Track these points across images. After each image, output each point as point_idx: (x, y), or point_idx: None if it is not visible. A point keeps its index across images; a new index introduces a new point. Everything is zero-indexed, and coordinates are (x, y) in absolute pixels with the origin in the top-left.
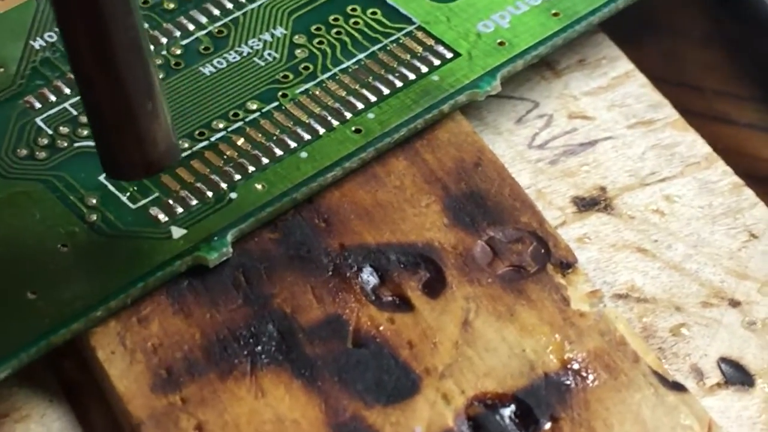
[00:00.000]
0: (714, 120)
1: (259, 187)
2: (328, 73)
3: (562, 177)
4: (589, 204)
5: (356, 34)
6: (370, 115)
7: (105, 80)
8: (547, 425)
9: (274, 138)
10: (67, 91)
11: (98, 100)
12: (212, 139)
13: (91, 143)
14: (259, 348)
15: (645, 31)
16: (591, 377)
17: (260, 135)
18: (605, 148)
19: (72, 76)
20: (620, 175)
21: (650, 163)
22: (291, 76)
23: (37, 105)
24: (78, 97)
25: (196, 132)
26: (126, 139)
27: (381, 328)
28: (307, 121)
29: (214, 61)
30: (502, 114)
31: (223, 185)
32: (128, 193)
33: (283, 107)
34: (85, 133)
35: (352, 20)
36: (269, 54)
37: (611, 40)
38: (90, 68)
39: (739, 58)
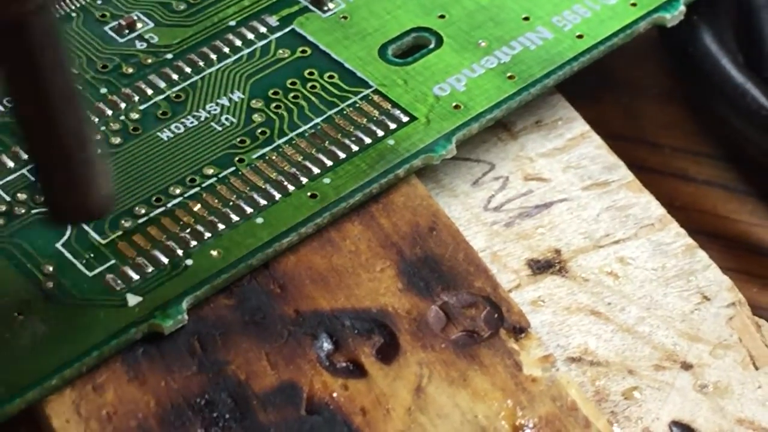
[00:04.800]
0: (672, 177)
1: (214, 253)
2: (285, 138)
3: (517, 239)
4: (543, 267)
5: (313, 98)
6: (326, 180)
7: (40, 128)
8: None
9: (231, 204)
10: (25, 157)
11: (34, 146)
12: (169, 205)
13: None
14: (214, 415)
15: (603, 88)
16: None
17: (217, 201)
18: (560, 210)
19: None
20: (575, 238)
21: (605, 225)
22: (248, 141)
23: None
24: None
25: (153, 198)
26: (61, 184)
27: (335, 394)
28: (263, 187)
29: (172, 126)
30: (458, 176)
31: (179, 252)
32: (85, 261)
33: (240, 172)
34: (43, 199)
35: (310, 84)
36: (226, 118)
37: (567, 101)
38: (26, 116)
39: (697, 115)
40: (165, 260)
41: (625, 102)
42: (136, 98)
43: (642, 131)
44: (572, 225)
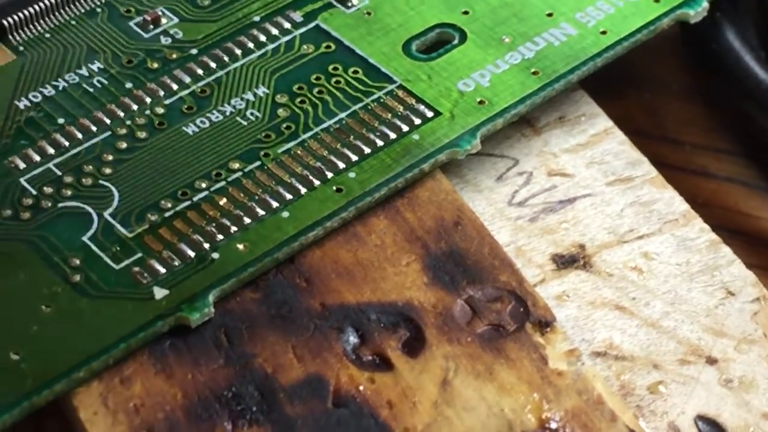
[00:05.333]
0: (693, 173)
1: (241, 247)
2: (310, 133)
3: (541, 234)
4: (568, 261)
5: (338, 93)
6: (351, 175)
7: None
8: None
9: (256, 198)
10: (51, 151)
11: None
12: (195, 198)
13: (75, 203)
14: (240, 408)
15: (624, 85)
16: None
17: (242, 195)
18: (584, 205)
19: (57, 136)
20: (599, 233)
21: (628, 221)
22: (273, 136)
23: (22, 165)
24: (62, 157)
25: (179, 192)
26: None
27: (361, 387)
28: (288, 181)
29: (197, 121)
30: (482, 172)
31: (206, 245)
32: (111, 254)
33: (266, 167)
34: (69, 193)
35: (334, 79)
36: (251, 113)
37: (590, 97)
38: None
39: (718, 112)
40: (191, 254)
41: (646, 98)
42: (162, 93)
43: (663, 128)
44: (596, 220)
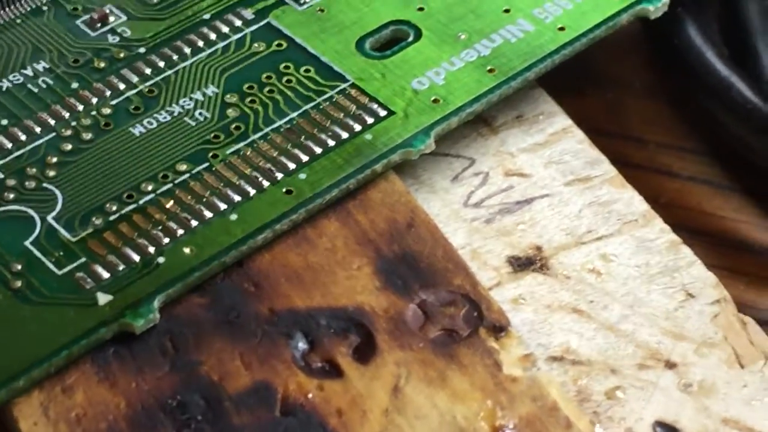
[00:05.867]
0: (656, 172)
1: (187, 251)
2: (260, 133)
3: (497, 236)
4: (524, 264)
5: (289, 93)
6: (302, 176)
7: None
8: None
9: (204, 200)
10: None
11: None
12: (141, 201)
13: (17, 207)
14: (186, 417)
15: (585, 83)
16: None
17: (190, 197)
18: (542, 206)
19: None
20: (556, 234)
21: (587, 222)
22: (222, 137)
23: None
24: (5, 160)
25: (125, 195)
26: None
27: (310, 395)
28: (237, 183)
29: (145, 121)
30: (437, 172)
31: (151, 249)
32: (54, 259)
33: (214, 168)
34: (11, 196)
35: (285, 78)
36: (200, 113)
37: (549, 95)
38: None
39: (681, 110)
40: (136, 258)
41: (608, 97)
42: (108, 93)
43: (625, 126)
44: (554, 221)
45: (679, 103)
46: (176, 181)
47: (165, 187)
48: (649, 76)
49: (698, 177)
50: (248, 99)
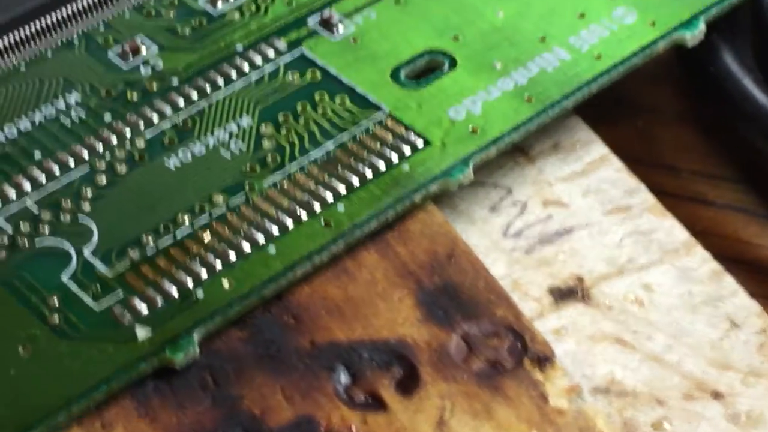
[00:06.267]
0: (690, 201)
1: (226, 284)
2: (297, 164)
3: (537, 266)
4: (565, 294)
5: (324, 123)
6: (340, 207)
7: None
8: None
9: (242, 233)
10: (28, 187)
11: None
12: (178, 234)
13: (53, 241)
14: None
15: (618, 111)
16: None
17: (227, 230)
18: (581, 235)
19: (34, 171)
20: (597, 264)
21: (627, 251)
22: (258, 168)
23: None
24: (40, 194)
25: (161, 227)
26: None
27: (353, 429)
28: (275, 215)
29: (179, 154)
30: (475, 202)
31: (190, 283)
32: (91, 293)
33: (251, 200)
34: (47, 230)
35: (320, 109)
36: (235, 145)
37: (585, 123)
38: None
39: (715, 137)
40: (175, 292)
41: (639, 124)
42: (142, 125)
43: (658, 155)
44: (594, 251)
45: (712, 130)
46: (213, 214)
47: (202, 220)
48: (680, 103)
49: (734, 205)
50: (284, 130)
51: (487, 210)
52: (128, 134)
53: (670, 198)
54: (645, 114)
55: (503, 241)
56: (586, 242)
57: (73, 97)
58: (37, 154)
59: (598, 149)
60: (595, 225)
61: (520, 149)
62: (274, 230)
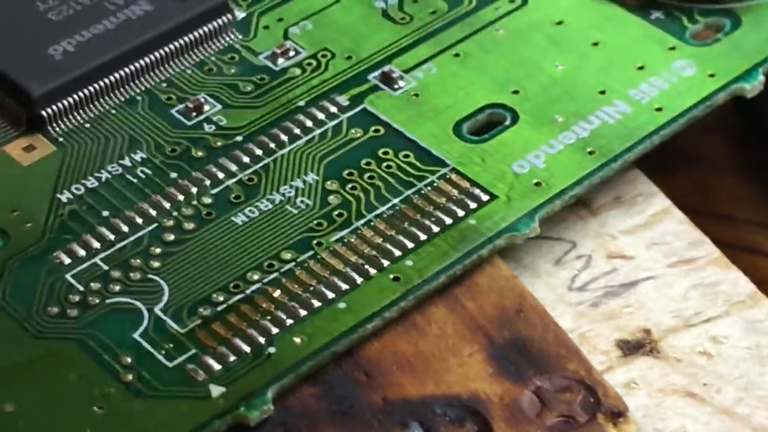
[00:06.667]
0: (746, 251)
1: (297, 340)
2: (363, 220)
3: (604, 320)
4: (634, 347)
5: (389, 178)
6: (408, 262)
7: None
8: None
9: (311, 289)
10: (97, 245)
11: None
12: (247, 291)
13: (124, 299)
14: None
15: (673, 162)
16: None
17: (296, 286)
18: (647, 288)
19: (102, 229)
20: (664, 316)
21: (694, 303)
22: (325, 224)
23: (67, 260)
24: (108, 251)
25: (231, 285)
26: None
27: None
28: (343, 270)
29: (246, 210)
30: (539, 255)
31: (261, 339)
32: (164, 351)
33: (319, 256)
34: (117, 288)
35: (385, 164)
36: (302, 201)
37: (645, 175)
38: None
39: None
40: (247, 348)
41: (695, 175)
42: (208, 182)
43: (714, 205)
44: (660, 303)
45: (766, 179)
46: (282, 270)
47: (271, 276)
48: (735, 153)
49: None
50: (349, 185)
51: (552, 264)
52: (194, 191)
53: (727, 248)
54: (699, 164)
55: (568, 294)
56: (651, 295)
57: (139, 155)
58: (105, 212)
59: (660, 201)
60: (660, 278)
61: (582, 202)
62: (343, 286)
